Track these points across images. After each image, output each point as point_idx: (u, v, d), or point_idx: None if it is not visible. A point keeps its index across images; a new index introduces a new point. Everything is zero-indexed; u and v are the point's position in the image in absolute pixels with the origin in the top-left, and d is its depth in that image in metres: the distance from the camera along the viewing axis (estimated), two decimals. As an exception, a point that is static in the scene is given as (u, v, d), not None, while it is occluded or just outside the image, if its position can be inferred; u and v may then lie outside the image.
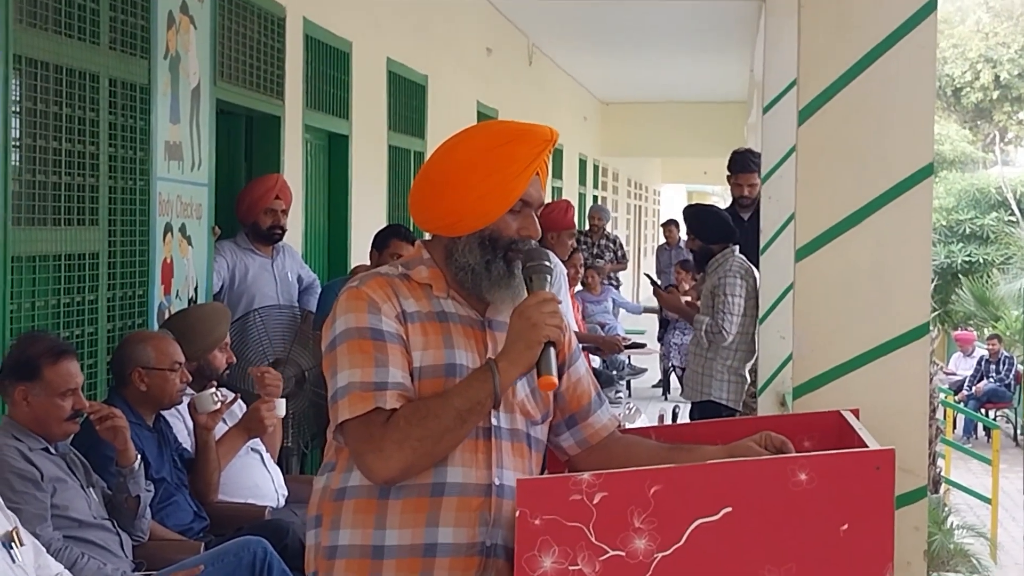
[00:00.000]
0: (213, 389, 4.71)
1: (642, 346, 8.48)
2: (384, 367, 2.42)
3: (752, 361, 6.59)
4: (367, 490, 2.45)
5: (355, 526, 2.45)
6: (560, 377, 2.65)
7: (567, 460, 2.71)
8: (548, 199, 15.48)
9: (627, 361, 12.95)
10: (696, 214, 7.08)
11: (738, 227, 7.04)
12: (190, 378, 4.62)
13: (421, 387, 2.45)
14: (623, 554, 2.24)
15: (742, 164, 7.49)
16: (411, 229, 6.31)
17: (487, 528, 2.44)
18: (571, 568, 2.24)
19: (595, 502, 2.24)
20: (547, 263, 2.52)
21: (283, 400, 5.08)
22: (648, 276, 8.42)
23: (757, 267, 6.50)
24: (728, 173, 7.60)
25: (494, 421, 2.49)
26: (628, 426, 3.33)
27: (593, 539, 2.24)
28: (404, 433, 2.38)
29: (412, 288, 2.53)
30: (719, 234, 6.79)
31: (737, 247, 6.78)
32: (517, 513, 2.24)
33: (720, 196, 33.19)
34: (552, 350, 2.44)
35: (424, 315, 2.51)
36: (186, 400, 4.68)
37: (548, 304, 2.45)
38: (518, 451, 2.52)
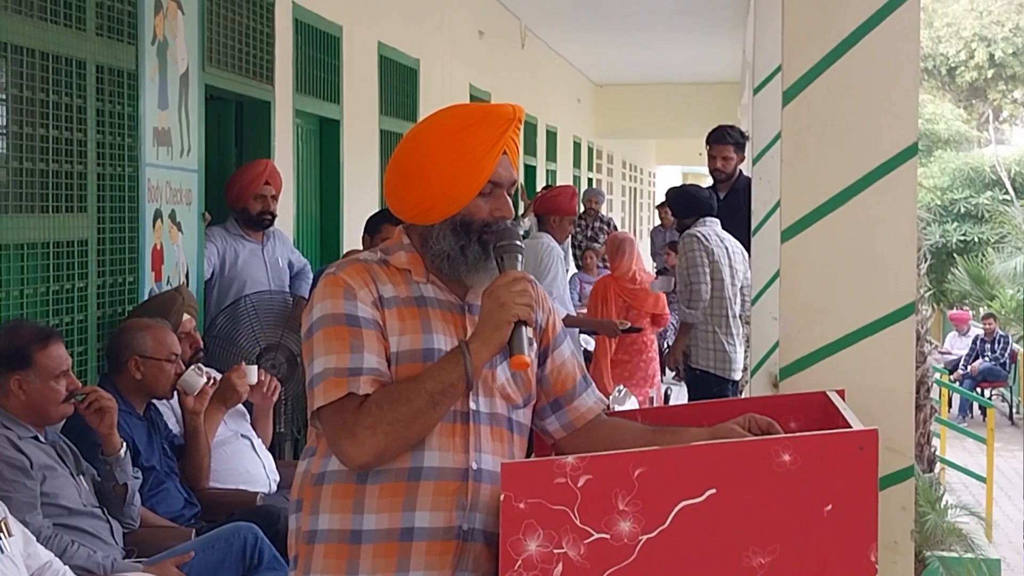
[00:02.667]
0: (195, 365, 4.70)
1: (639, 330, 8.45)
2: (359, 353, 2.41)
3: (739, 331, 6.81)
4: (345, 475, 2.44)
5: (333, 511, 2.45)
6: (544, 360, 2.65)
7: (553, 443, 2.70)
8: (543, 183, 15.46)
9: (621, 343, 12.94)
10: (673, 194, 7.44)
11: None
12: (184, 369, 4.61)
13: (399, 372, 2.44)
14: (608, 536, 2.24)
15: (717, 136, 7.63)
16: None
17: (464, 512, 2.44)
18: (556, 551, 2.24)
19: (579, 485, 2.24)
20: (518, 242, 2.51)
21: (254, 367, 5.08)
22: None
23: (747, 247, 6.56)
24: (707, 147, 7.71)
25: (472, 405, 2.48)
26: (616, 408, 3.33)
27: (578, 522, 2.24)
28: (376, 418, 2.37)
29: (391, 273, 2.52)
30: (690, 209, 7.13)
31: (716, 221, 7.01)
32: (502, 497, 2.24)
33: (715, 177, 33.09)
34: (524, 329, 2.42)
35: (402, 300, 2.50)
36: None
37: (517, 283, 2.43)
38: (497, 435, 2.51)
